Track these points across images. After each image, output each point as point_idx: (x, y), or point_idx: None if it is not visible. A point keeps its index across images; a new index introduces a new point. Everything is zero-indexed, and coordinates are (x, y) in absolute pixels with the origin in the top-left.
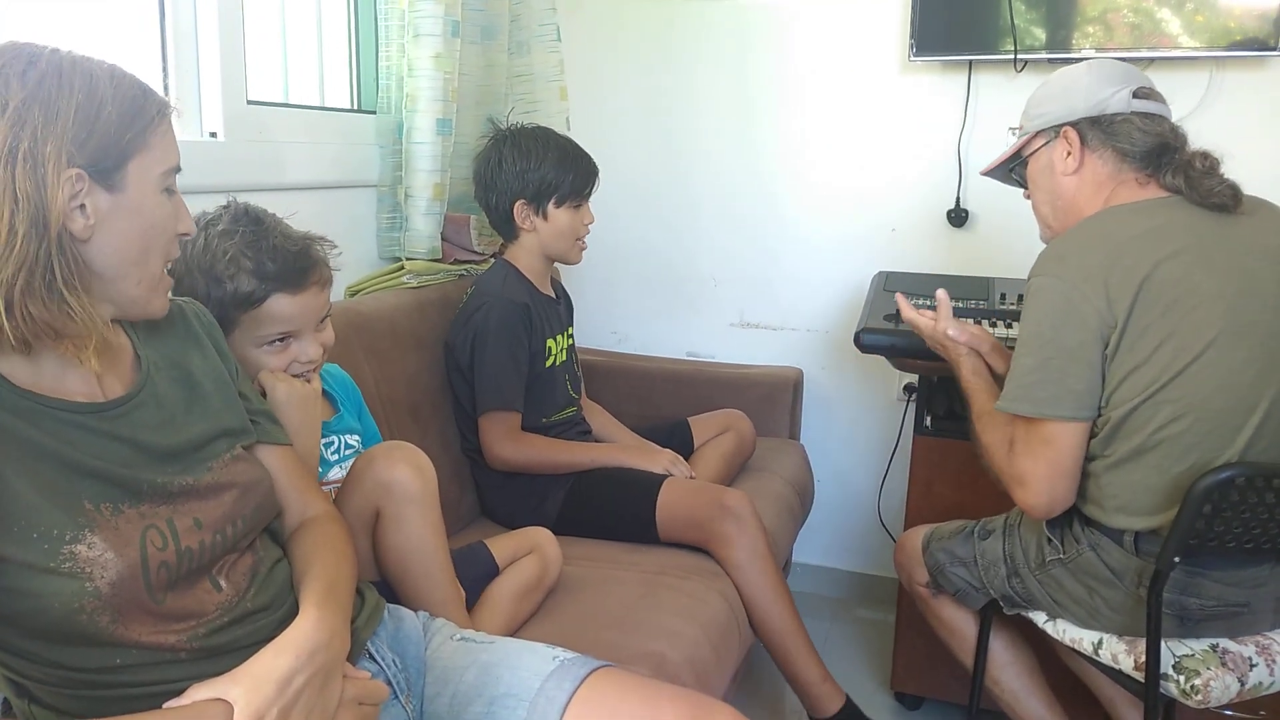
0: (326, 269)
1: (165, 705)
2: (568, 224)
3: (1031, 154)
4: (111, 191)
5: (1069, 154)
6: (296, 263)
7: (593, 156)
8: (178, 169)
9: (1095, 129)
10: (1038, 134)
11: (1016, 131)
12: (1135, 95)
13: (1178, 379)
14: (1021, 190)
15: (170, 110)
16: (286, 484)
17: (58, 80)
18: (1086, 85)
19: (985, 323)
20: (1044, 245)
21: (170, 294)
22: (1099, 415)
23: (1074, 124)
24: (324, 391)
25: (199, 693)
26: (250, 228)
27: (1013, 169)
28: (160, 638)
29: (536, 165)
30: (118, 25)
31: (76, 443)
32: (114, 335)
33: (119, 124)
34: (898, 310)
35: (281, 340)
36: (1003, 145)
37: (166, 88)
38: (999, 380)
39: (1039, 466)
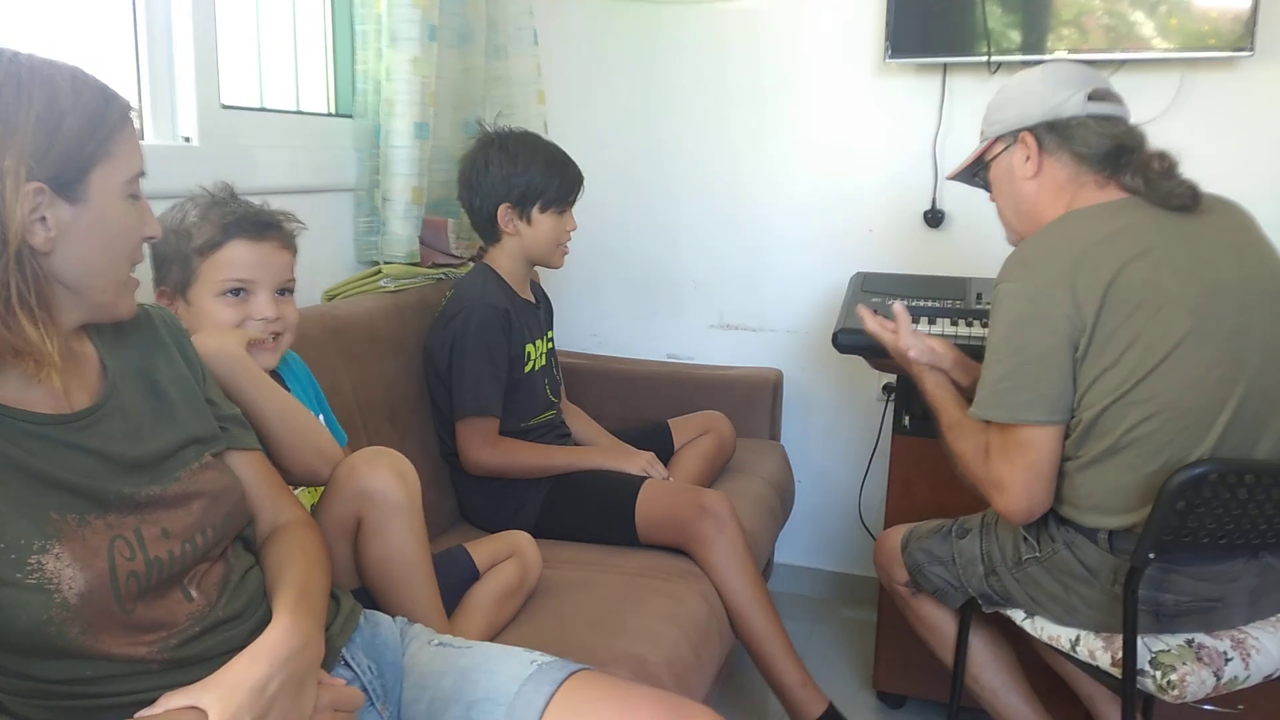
0: (291, 236)
1: (137, 715)
2: (550, 230)
3: (993, 159)
4: (73, 203)
5: (1027, 159)
6: (259, 216)
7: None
8: (142, 174)
9: (1051, 133)
10: (997, 139)
11: (981, 137)
12: (1090, 98)
13: (1146, 380)
14: (988, 193)
15: (132, 112)
16: (257, 490)
17: (16, 90)
18: (1041, 90)
19: (962, 322)
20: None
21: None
22: (1072, 417)
23: (1031, 129)
24: (274, 373)
25: (172, 701)
26: (223, 195)
27: (976, 174)
28: (131, 649)
29: (523, 170)
30: (90, 28)
31: (41, 454)
32: (79, 345)
33: (80, 134)
34: (862, 321)
35: (237, 294)
36: (973, 149)
37: (140, 92)
38: (965, 393)
39: (1016, 471)
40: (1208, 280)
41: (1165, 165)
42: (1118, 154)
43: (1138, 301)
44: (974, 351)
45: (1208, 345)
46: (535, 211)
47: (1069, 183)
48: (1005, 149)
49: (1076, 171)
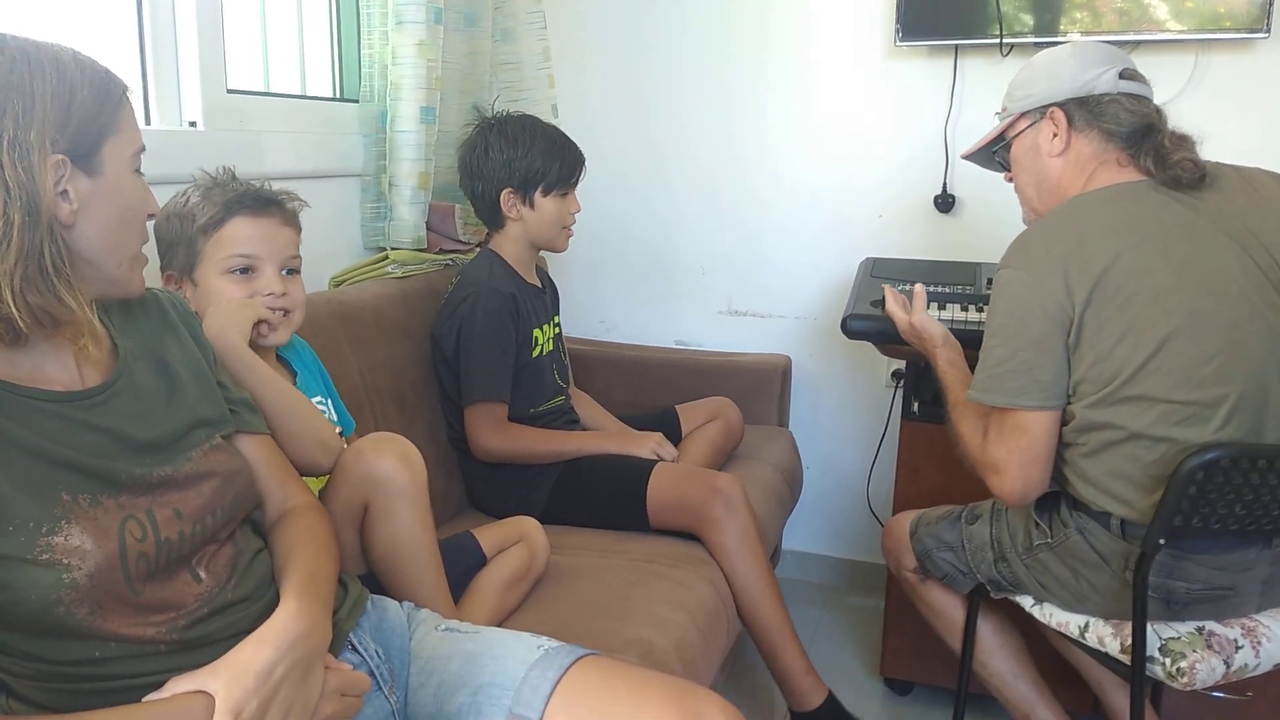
0: (292, 214)
1: (145, 699)
2: (554, 213)
3: (1016, 136)
4: (91, 175)
5: (1055, 135)
6: (259, 193)
7: (579, 145)
8: (143, 149)
9: (1082, 109)
10: (1022, 115)
11: (1000, 115)
12: (1121, 76)
13: (1138, 374)
14: (1003, 173)
15: (129, 91)
16: (266, 474)
17: (28, 66)
18: (1073, 66)
19: (972, 308)
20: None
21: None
22: (1069, 403)
23: (1061, 104)
24: (278, 357)
25: (179, 685)
26: (223, 177)
27: (995, 151)
28: (139, 630)
29: (523, 154)
30: (94, 12)
31: (52, 433)
32: None
33: (92, 107)
34: (883, 298)
35: (244, 272)
36: (989, 130)
37: (145, 77)
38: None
39: (1013, 454)
40: (1204, 272)
41: (1175, 141)
42: (1145, 133)
43: (1129, 294)
44: (981, 336)
45: (1200, 340)
46: (538, 195)
47: (1092, 159)
48: (1030, 125)
49: (1102, 149)
